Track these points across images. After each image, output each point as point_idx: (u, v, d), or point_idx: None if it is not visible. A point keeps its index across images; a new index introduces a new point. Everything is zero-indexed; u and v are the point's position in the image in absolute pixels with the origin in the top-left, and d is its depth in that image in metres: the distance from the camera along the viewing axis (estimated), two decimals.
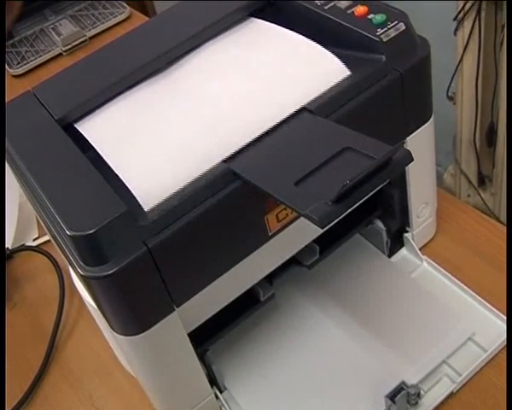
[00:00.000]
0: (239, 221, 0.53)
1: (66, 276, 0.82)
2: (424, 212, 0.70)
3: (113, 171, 0.53)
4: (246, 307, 0.65)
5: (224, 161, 0.52)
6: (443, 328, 0.65)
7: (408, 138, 0.62)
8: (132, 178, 0.52)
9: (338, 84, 0.56)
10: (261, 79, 0.58)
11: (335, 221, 0.47)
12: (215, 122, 0.55)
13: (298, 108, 0.55)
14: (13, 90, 1.12)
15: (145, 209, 0.50)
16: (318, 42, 0.60)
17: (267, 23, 0.65)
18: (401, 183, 0.66)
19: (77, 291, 0.63)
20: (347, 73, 0.57)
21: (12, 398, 0.72)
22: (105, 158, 0.55)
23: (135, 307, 0.51)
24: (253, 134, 0.54)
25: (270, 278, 0.65)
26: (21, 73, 1.24)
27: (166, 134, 0.56)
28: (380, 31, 0.57)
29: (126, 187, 0.52)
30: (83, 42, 1.27)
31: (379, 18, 0.58)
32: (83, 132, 0.58)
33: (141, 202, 0.50)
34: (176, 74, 0.62)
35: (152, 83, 0.62)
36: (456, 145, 1.55)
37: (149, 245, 0.48)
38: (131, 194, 0.51)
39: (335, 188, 0.44)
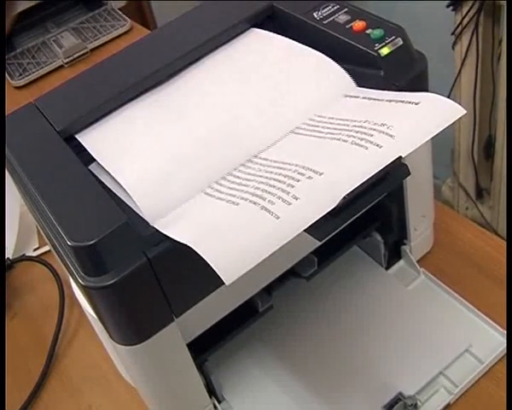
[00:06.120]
0: None
1: (66, 286, 0.82)
2: (422, 224, 0.71)
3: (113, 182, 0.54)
4: (244, 317, 0.65)
5: None
6: (440, 339, 0.65)
7: None
8: (135, 190, 0.53)
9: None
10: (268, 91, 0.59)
11: (333, 233, 0.47)
12: (216, 140, 0.56)
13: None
14: (14, 102, 1.12)
15: (149, 222, 0.50)
16: None
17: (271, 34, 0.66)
18: (399, 195, 0.67)
19: (77, 301, 0.63)
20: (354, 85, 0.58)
21: (12, 407, 0.73)
22: (107, 169, 0.55)
23: (134, 317, 0.52)
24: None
25: (268, 290, 0.65)
26: (23, 84, 1.25)
27: (170, 147, 0.56)
28: (378, 46, 0.58)
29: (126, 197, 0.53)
30: (84, 54, 1.28)
31: (377, 33, 0.59)
32: (84, 144, 0.59)
33: (145, 216, 0.51)
34: (180, 86, 0.63)
35: (155, 95, 0.62)
36: (454, 158, 1.56)
37: (149, 256, 0.49)
38: (132, 205, 0.52)
39: None
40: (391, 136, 0.48)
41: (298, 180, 0.47)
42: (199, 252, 0.43)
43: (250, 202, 0.47)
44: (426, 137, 0.48)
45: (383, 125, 0.49)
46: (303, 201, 0.45)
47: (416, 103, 0.51)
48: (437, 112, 0.50)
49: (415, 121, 0.50)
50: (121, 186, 0.53)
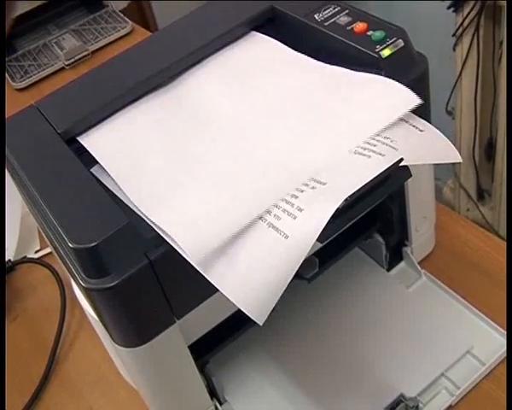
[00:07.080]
0: None
1: (67, 288, 0.82)
2: (423, 226, 0.71)
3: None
4: (246, 319, 0.65)
5: None
6: (441, 341, 0.65)
7: None
8: (136, 192, 0.53)
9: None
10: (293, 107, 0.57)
11: (335, 235, 0.47)
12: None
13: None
14: (16, 104, 1.12)
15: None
16: (318, 58, 0.61)
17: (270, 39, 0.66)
18: (400, 197, 0.67)
19: (78, 303, 0.63)
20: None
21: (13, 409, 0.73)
22: (109, 172, 0.55)
23: (136, 319, 0.52)
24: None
25: None
26: (24, 86, 1.25)
27: (174, 148, 0.56)
28: (379, 47, 0.58)
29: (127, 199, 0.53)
30: (85, 56, 1.28)
31: (378, 34, 0.59)
32: (86, 146, 0.59)
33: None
34: (182, 88, 0.63)
35: (156, 97, 0.62)
36: None
37: (151, 258, 0.49)
38: (133, 207, 0.52)
39: None
40: (394, 148, 0.49)
41: (302, 191, 0.47)
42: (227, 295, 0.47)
43: (256, 216, 0.47)
44: (425, 160, 0.49)
45: (387, 138, 0.50)
46: (307, 212, 0.45)
47: (422, 130, 0.52)
48: (438, 147, 0.52)
49: (418, 143, 0.51)
50: (121, 189, 0.53)
